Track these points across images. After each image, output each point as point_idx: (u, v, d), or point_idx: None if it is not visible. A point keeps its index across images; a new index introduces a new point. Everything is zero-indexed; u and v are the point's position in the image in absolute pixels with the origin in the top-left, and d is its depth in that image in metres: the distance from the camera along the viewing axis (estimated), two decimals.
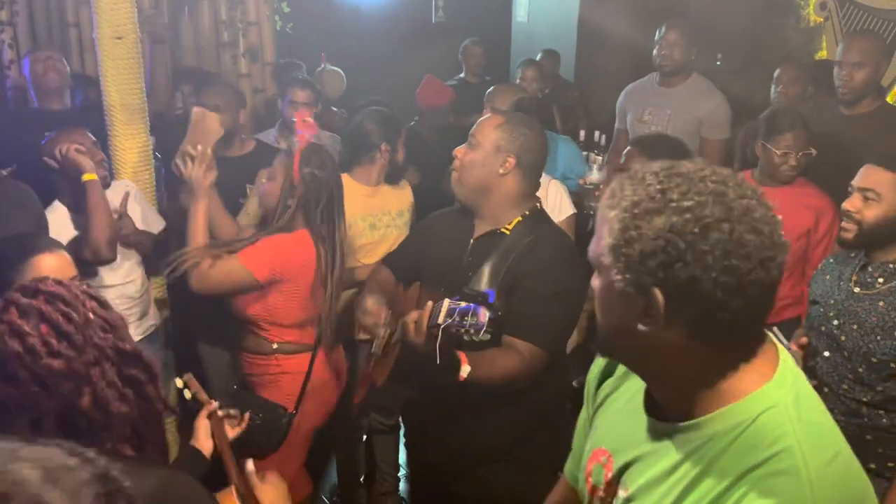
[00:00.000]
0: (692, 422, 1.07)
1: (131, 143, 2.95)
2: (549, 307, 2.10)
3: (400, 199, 3.21)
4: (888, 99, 4.71)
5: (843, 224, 2.18)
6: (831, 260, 2.38)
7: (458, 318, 1.77)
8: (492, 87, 3.69)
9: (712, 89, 3.99)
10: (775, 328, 2.28)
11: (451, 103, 4.56)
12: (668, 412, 1.12)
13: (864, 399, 2.14)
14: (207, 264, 2.44)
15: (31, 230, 2.38)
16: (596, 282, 1.10)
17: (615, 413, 1.26)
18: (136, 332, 2.74)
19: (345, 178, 3.03)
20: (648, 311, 1.01)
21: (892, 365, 2.08)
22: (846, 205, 2.18)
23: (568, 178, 3.60)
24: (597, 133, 4.54)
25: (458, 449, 2.29)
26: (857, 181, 2.19)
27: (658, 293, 0.99)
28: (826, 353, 2.22)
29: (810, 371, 2.21)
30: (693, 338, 1.02)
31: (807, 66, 3.93)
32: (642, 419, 1.17)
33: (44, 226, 2.55)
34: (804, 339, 2.26)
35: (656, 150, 2.47)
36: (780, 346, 1.11)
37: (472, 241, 2.24)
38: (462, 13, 6.57)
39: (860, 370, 2.13)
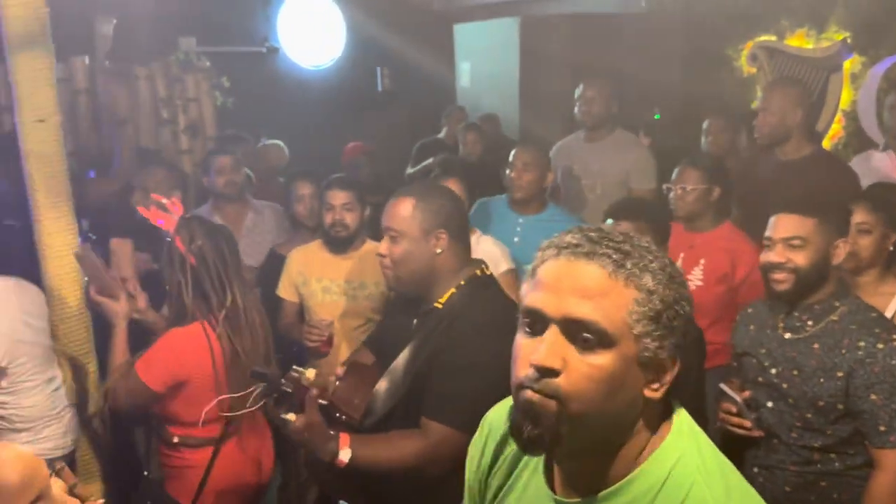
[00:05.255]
0: (612, 488, 1.04)
1: (56, 227, 2.86)
2: (462, 381, 1.91)
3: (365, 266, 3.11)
4: (824, 143, 4.82)
5: (776, 276, 2.11)
6: (749, 310, 2.35)
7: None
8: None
9: (636, 141, 4.13)
10: (723, 385, 2.23)
11: (364, 153, 5.16)
12: (577, 487, 1.07)
13: (816, 445, 2.10)
14: (120, 385, 2.40)
15: None
16: (602, 357, 0.98)
17: None
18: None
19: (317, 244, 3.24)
20: (662, 376, 1.03)
21: (840, 406, 2.04)
22: (773, 257, 2.12)
23: None
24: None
25: None
26: (775, 233, 2.13)
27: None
28: (769, 404, 2.17)
29: (757, 423, 2.17)
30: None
31: (735, 116, 4.02)
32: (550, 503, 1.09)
33: None
34: (747, 393, 2.21)
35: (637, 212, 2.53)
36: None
37: (415, 319, 2.12)
38: (407, 80, 6.66)
39: (808, 416, 2.09)
